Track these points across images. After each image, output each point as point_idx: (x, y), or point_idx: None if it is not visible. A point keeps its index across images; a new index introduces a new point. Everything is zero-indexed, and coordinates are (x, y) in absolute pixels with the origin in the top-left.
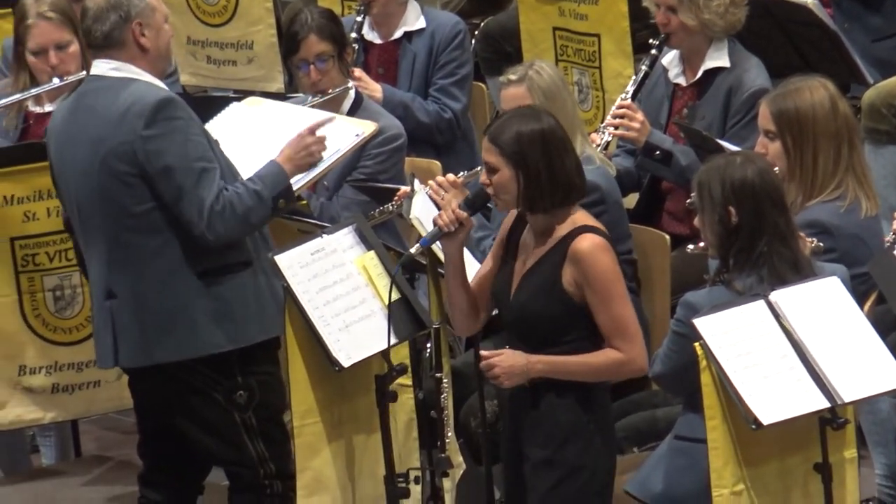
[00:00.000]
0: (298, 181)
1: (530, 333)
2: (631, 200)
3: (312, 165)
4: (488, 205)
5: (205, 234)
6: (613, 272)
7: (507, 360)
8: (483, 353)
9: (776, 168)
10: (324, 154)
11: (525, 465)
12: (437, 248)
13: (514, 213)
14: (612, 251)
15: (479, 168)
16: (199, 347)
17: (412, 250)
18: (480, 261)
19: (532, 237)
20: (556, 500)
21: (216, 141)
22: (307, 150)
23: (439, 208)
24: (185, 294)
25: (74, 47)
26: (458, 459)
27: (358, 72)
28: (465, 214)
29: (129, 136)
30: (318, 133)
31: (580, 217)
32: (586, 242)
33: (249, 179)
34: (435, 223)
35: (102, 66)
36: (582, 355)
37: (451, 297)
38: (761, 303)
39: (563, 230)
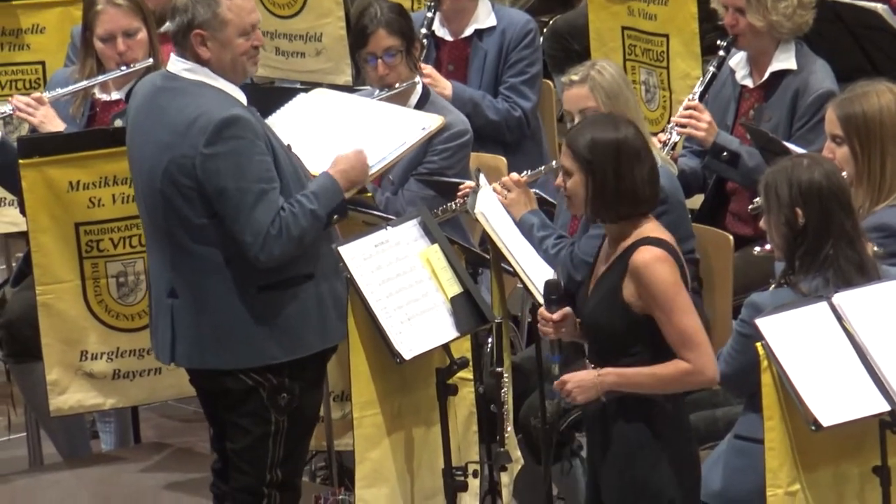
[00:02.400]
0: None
1: (599, 343)
2: (696, 201)
3: (363, 183)
4: (552, 203)
5: (258, 256)
6: (672, 284)
7: (577, 375)
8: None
9: (844, 172)
10: (389, 147)
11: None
12: (499, 242)
13: None
14: (673, 262)
15: (542, 167)
16: (255, 359)
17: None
18: (545, 259)
19: (607, 245)
20: None
21: (288, 146)
22: (362, 167)
23: (504, 206)
24: (245, 307)
25: (142, 34)
26: (517, 454)
27: (428, 69)
28: (552, 316)
29: (190, 151)
30: (385, 124)
31: (648, 228)
32: (645, 255)
33: (305, 196)
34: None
35: (177, 65)
36: (651, 367)
37: None
38: (824, 304)
39: (628, 241)
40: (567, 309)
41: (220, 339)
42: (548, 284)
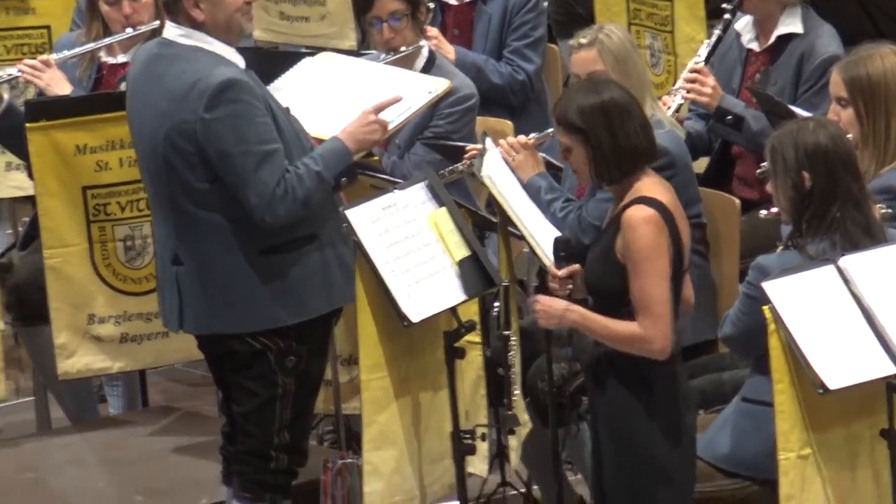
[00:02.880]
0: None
1: (596, 301)
2: (701, 164)
3: (374, 144)
4: (559, 167)
5: (265, 218)
6: (652, 247)
7: (548, 300)
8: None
9: (849, 135)
10: (396, 111)
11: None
12: (508, 207)
13: None
14: (660, 225)
15: (550, 130)
16: (260, 322)
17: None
18: (552, 222)
19: (612, 207)
20: (615, 476)
21: (286, 109)
22: (370, 128)
23: (511, 168)
24: (249, 270)
25: None
26: (525, 418)
27: (434, 31)
28: (559, 272)
29: (190, 116)
30: (391, 88)
31: (645, 186)
32: (636, 213)
33: (311, 158)
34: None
35: (172, 31)
36: (609, 319)
37: None
38: (831, 268)
39: (627, 199)
40: (575, 266)
41: (227, 304)
42: (557, 241)
